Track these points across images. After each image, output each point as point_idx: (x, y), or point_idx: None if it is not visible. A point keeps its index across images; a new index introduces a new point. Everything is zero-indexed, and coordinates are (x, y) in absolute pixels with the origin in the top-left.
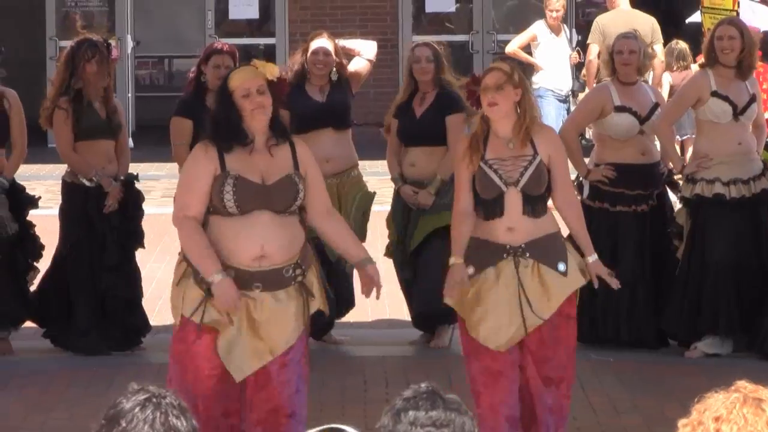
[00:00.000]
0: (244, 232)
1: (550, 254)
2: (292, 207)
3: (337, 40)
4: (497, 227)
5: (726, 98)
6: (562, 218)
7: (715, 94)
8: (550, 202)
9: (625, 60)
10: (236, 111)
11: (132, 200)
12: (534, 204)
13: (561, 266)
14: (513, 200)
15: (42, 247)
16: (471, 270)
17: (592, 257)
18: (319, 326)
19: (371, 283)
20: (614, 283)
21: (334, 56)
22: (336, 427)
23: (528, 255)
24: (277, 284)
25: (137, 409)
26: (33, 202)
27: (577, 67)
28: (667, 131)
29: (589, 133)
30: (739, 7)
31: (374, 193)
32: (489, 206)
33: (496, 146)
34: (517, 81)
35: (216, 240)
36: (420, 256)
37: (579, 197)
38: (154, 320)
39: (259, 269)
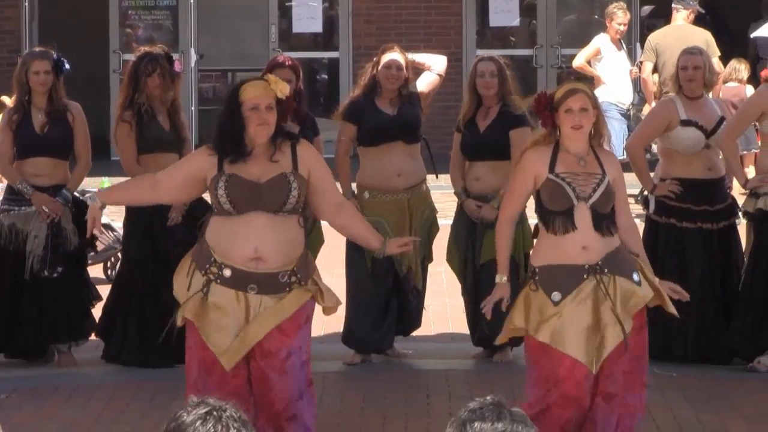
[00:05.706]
0: (240, 231)
1: (624, 267)
2: (285, 206)
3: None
4: (570, 248)
5: None
6: (623, 242)
7: None
8: None
9: (689, 76)
10: (241, 121)
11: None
12: (602, 221)
13: (635, 276)
14: (583, 216)
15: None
16: (557, 296)
17: (656, 279)
18: (382, 340)
19: (405, 245)
20: (684, 296)
21: (405, 70)
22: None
23: (606, 271)
24: (272, 288)
25: (198, 423)
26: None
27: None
28: (731, 146)
29: (654, 148)
30: None
31: (436, 211)
32: (559, 219)
33: (568, 161)
34: (596, 103)
35: (215, 239)
36: (484, 276)
37: (645, 212)
38: None
39: (255, 271)
